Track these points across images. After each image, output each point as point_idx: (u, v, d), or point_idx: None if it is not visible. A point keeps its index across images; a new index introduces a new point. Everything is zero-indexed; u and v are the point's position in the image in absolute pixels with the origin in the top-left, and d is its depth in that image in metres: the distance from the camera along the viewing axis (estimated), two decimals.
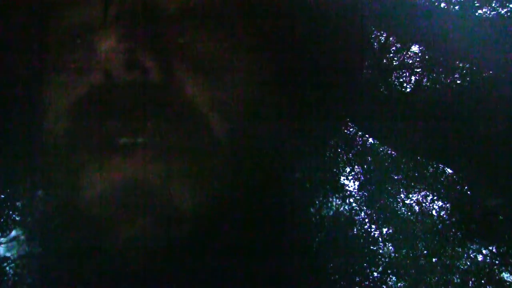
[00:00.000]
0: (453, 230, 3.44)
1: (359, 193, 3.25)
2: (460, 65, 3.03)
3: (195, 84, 0.30)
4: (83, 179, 0.28)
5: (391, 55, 3.24)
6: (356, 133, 3.07)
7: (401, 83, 3.23)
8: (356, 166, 3.21)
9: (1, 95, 0.35)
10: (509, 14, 2.78)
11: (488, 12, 2.80)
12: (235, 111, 0.30)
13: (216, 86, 0.30)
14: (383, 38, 3.11)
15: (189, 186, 0.28)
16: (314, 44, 0.35)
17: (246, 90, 0.32)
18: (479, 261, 3.99)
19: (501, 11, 2.81)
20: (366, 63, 2.93)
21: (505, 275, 3.88)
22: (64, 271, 0.29)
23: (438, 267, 3.91)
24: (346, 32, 0.36)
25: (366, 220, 3.38)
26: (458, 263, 3.98)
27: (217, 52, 0.31)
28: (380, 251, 3.58)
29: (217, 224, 0.28)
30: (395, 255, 3.73)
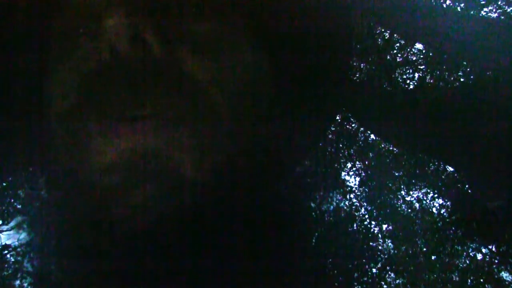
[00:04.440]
0: (453, 228, 3.44)
1: (360, 189, 3.25)
2: (464, 63, 3.02)
3: (195, 60, 0.31)
4: (92, 149, 0.29)
5: (395, 51, 3.23)
6: (357, 129, 3.07)
7: (404, 80, 3.22)
8: (357, 162, 3.22)
9: (6, 79, 0.36)
10: None
11: (494, 10, 2.78)
12: (233, 87, 0.32)
13: (215, 64, 0.31)
14: (387, 34, 3.10)
15: (192, 155, 0.29)
16: (305, 37, 0.36)
17: (242, 70, 0.33)
18: (478, 260, 3.99)
19: (507, 9, 2.79)
20: (370, 59, 2.93)
21: (504, 275, 3.88)
22: (74, 242, 0.30)
23: (437, 265, 3.91)
24: (334, 26, 0.37)
25: (366, 216, 3.39)
26: (458, 262, 3.98)
27: (215, 33, 0.33)
28: (380, 247, 3.59)
29: (218, 191, 0.29)
30: (394, 252, 3.74)
